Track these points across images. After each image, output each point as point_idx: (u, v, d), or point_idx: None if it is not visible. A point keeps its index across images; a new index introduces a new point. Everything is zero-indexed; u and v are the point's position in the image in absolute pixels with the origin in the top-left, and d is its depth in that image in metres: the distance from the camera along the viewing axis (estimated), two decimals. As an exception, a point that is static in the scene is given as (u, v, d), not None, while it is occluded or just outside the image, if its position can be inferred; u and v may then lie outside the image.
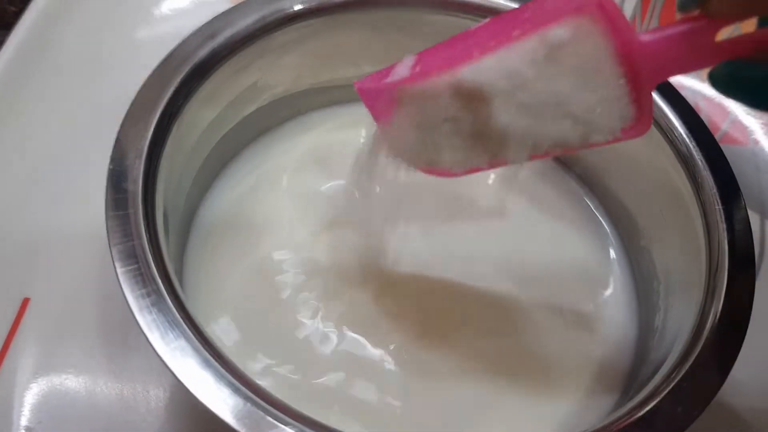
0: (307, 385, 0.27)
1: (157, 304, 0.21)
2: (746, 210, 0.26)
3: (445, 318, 0.29)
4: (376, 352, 0.28)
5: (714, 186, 0.26)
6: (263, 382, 0.21)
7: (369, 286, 0.29)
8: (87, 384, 0.28)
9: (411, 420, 0.26)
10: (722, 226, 0.25)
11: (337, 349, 0.28)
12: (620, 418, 0.21)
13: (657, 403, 0.22)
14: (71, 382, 0.28)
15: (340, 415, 0.26)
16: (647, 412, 0.22)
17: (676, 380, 0.22)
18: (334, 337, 0.28)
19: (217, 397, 0.20)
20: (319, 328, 0.28)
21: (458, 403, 0.27)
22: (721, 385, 0.22)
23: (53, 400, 0.27)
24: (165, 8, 0.39)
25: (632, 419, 0.21)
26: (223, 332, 0.27)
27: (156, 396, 0.28)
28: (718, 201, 0.26)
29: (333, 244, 0.30)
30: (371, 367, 0.27)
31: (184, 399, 0.27)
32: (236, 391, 0.20)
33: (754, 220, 0.34)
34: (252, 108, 0.31)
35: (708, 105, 0.37)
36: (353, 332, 0.28)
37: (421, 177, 0.32)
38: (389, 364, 0.27)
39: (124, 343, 0.28)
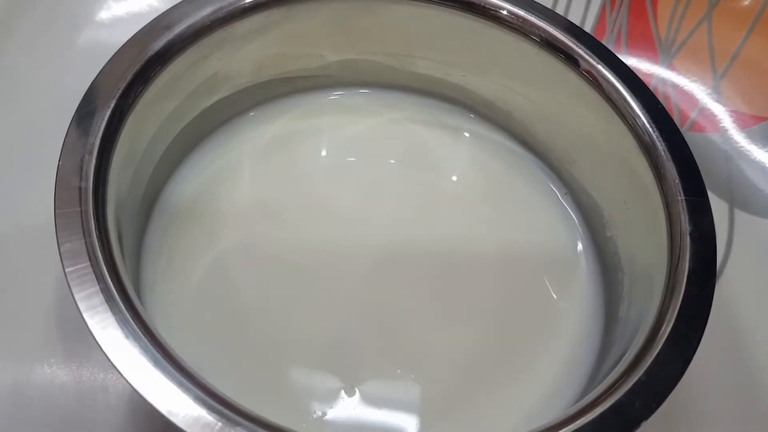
0: (268, 386, 0.26)
1: (106, 303, 0.21)
2: (708, 201, 0.25)
3: (407, 309, 0.29)
4: (346, 351, 0.27)
5: (677, 176, 0.26)
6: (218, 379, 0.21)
7: (336, 278, 0.29)
8: (43, 377, 0.27)
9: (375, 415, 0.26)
10: (684, 218, 0.25)
11: (305, 349, 0.27)
12: (575, 414, 0.21)
13: (615, 399, 0.21)
14: (26, 374, 0.27)
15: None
16: (606, 409, 0.21)
17: (635, 374, 0.22)
18: (299, 336, 0.27)
19: (167, 397, 0.20)
20: (282, 325, 0.27)
21: (421, 401, 0.27)
22: (679, 379, 0.22)
23: (5, 395, 0.27)
24: (114, 11, 0.38)
25: (589, 415, 0.21)
26: (179, 328, 0.27)
27: (116, 393, 0.27)
28: (681, 192, 0.25)
29: (297, 234, 0.30)
30: (339, 365, 0.27)
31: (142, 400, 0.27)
32: (186, 389, 0.20)
33: (723, 208, 0.34)
34: (213, 99, 0.30)
35: (677, 94, 0.37)
36: (320, 330, 0.28)
37: (387, 166, 0.32)
38: (356, 367, 0.27)
39: (81, 338, 0.28)
